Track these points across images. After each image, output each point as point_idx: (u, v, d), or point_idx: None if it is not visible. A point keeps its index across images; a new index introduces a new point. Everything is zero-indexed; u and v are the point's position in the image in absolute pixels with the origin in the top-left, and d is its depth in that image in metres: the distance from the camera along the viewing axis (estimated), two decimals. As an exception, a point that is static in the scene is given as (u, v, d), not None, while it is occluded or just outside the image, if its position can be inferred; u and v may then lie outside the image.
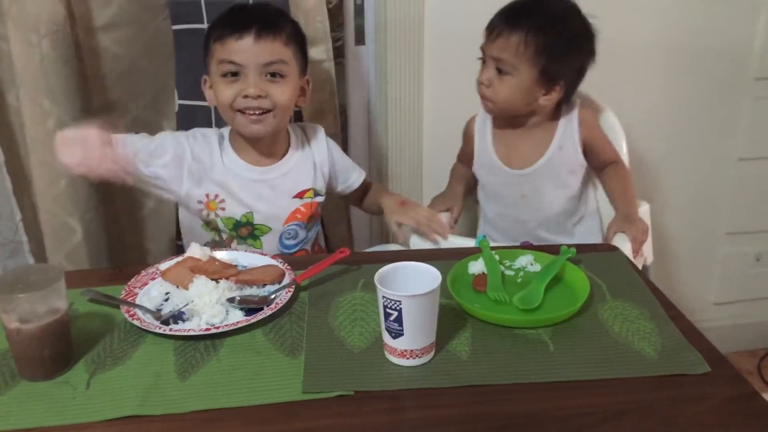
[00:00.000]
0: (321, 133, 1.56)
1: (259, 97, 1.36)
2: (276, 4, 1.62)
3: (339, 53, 2.03)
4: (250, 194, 1.45)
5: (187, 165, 1.41)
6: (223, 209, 1.44)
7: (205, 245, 1.44)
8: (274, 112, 1.38)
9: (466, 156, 1.71)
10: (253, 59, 1.35)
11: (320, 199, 1.52)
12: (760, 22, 2.03)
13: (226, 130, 1.49)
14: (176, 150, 1.41)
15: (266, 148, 1.46)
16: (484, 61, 1.54)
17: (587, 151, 1.60)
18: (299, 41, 1.43)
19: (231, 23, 1.36)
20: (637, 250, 1.46)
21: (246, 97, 1.36)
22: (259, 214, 1.45)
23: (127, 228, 1.82)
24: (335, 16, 1.99)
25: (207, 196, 1.43)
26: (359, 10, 1.94)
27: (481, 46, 1.54)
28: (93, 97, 1.67)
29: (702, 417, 0.88)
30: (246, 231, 1.46)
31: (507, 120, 1.60)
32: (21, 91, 1.57)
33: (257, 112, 1.37)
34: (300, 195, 1.49)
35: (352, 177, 1.62)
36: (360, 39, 1.97)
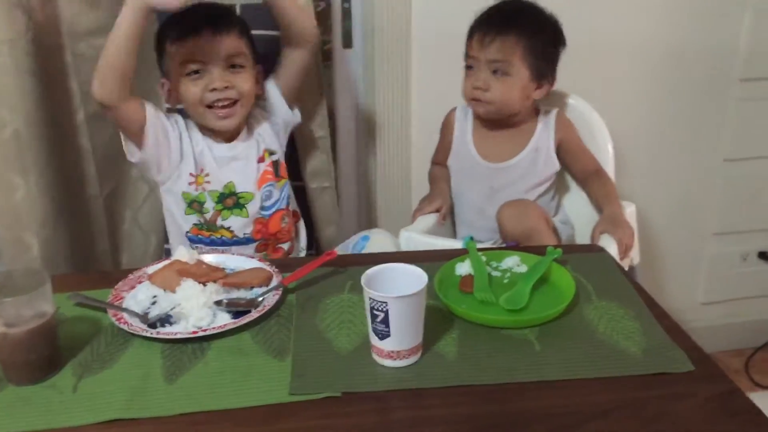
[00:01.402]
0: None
1: (226, 88, 1.44)
2: (261, 9, 1.64)
3: (327, 57, 2.04)
4: (225, 167, 1.53)
5: (183, 135, 1.51)
6: (209, 182, 1.52)
7: (188, 232, 1.54)
8: (241, 101, 1.48)
9: (443, 150, 1.75)
10: (215, 54, 1.44)
11: (275, 157, 1.58)
12: (744, 24, 2.04)
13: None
14: (178, 124, 1.52)
15: (234, 131, 1.55)
16: (470, 67, 1.59)
17: (565, 157, 1.66)
18: (249, 34, 1.53)
19: (185, 24, 1.44)
20: (624, 253, 1.47)
21: (213, 90, 1.44)
22: (239, 183, 1.53)
23: (92, 242, 1.77)
24: (323, 19, 2.00)
25: (191, 173, 1.52)
26: (347, 14, 1.95)
27: (468, 53, 1.59)
28: (79, 107, 1.65)
29: (686, 414, 0.89)
30: (231, 201, 1.54)
31: (491, 119, 1.64)
32: None
33: (226, 104, 1.46)
34: (261, 159, 1.56)
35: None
36: (348, 43, 1.98)
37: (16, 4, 1.48)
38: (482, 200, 1.66)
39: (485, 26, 1.56)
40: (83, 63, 1.60)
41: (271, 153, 1.58)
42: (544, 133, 1.64)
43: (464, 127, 1.70)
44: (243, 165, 1.54)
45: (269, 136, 1.59)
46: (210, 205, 1.52)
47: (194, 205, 1.53)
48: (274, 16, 1.50)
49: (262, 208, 1.55)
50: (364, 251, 1.53)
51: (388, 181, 2.03)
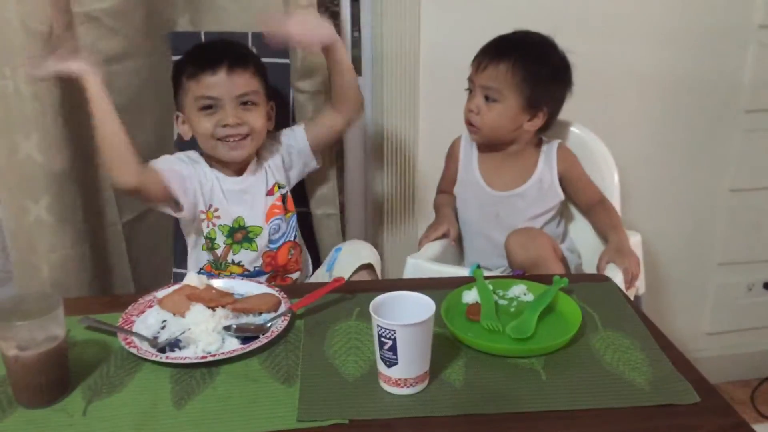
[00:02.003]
0: (271, 137, 1.62)
1: (237, 125, 1.47)
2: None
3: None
4: (234, 202, 1.55)
5: (188, 180, 1.52)
6: (218, 217, 1.53)
7: (202, 269, 1.55)
8: (252, 136, 1.50)
9: (448, 179, 1.77)
10: (228, 92, 1.47)
11: (283, 191, 1.60)
12: (749, 56, 2.06)
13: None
14: (185, 165, 1.53)
15: (239, 164, 1.56)
16: (471, 91, 1.63)
17: (568, 189, 1.68)
18: (263, 72, 1.56)
19: (203, 61, 1.48)
20: (630, 282, 1.48)
21: (225, 126, 1.47)
22: (248, 217, 1.55)
23: (110, 270, 1.79)
24: (332, 47, 2.02)
25: (204, 208, 1.54)
26: (356, 43, 1.97)
27: (469, 77, 1.63)
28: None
29: (692, 447, 0.89)
30: (240, 235, 1.55)
31: (490, 146, 1.67)
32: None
33: (236, 138, 1.48)
34: (270, 192, 1.58)
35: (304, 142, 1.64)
36: (357, 70, 2.00)
37: (34, 34, 1.50)
38: (489, 227, 1.67)
39: (484, 52, 1.60)
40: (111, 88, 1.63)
41: (280, 186, 1.60)
42: (546, 165, 1.66)
43: (469, 155, 1.72)
44: (252, 198, 1.56)
45: (279, 169, 1.61)
46: (221, 240, 1.53)
47: (206, 242, 1.55)
48: (329, 71, 1.55)
49: (270, 241, 1.56)
50: (336, 262, 1.54)
51: (395, 208, 2.05)
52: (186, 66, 1.50)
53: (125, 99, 1.68)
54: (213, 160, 1.55)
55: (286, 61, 1.69)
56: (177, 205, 1.51)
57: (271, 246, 1.57)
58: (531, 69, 1.55)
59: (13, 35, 1.45)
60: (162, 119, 1.74)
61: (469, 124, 1.63)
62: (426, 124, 1.98)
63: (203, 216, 1.53)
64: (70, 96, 1.52)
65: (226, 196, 1.54)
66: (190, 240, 1.60)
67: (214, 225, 1.53)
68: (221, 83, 1.46)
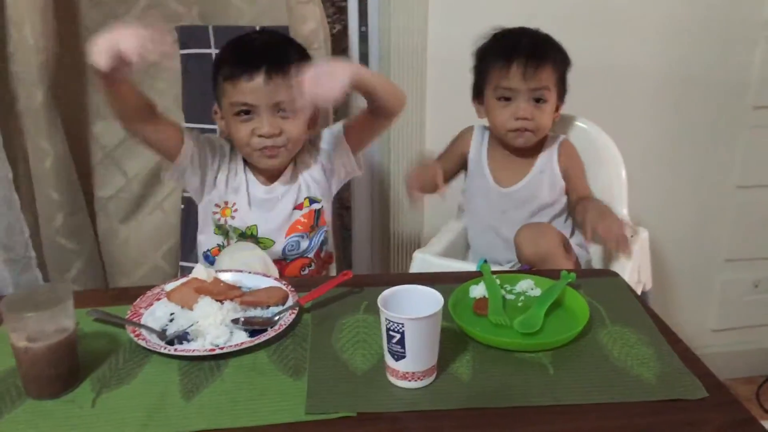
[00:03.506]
0: (307, 145, 1.55)
1: (273, 135, 1.41)
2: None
3: (343, 79, 2.06)
4: (256, 210, 1.50)
5: (221, 166, 1.49)
6: (233, 218, 1.50)
7: (209, 250, 1.54)
8: (287, 146, 1.44)
9: (448, 157, 1.74)
10: (265, 99, 1.40)
11: (317, 205, 1.54)
12: (757, 52, 2.06)
13: None
14: (220, 150, 1.50)
15: (276, 170, 1.51)
16: (507, 98, 1.59)
17: (565, 182, 1.67)
18: None
19: (241, 63, 1.40)
20: (619, 245, 1.43)
21: (261, 136, 1.41)
22: (263, 228, 1.50)
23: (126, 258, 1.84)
24: (339, 41, 2.03)
25: (226, 202, 1.50)
26: (363, 37, 1.97)
27: (502, 85, 1.58)
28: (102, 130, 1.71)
29: (700, 442, 0.89)
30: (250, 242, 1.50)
31: (503, 142, 1.67)
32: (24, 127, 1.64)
33: (272, 148, 1.42)
34: (299, 207, 1.52)
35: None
36: (364, 65, 2.00)
37: (42, 50, 1.53)
38: (496, 221, 1.67)
39: (521, 59, 1.56)
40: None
41: (313, 201, 1.54)
42: (549, 159, 1.66)
43: (480, 150, 1.71)
44: (275, 211, 1.51)
45: (317, 182, 1.54)
46: (233, 235, 1.51)
47: (221, 228, 1.52)
48: (363, 96, 1.42)
49: (284, 256, 1.52)
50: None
51: (402, 204, 2.05)
52: (223, 64, 1.43)
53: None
54: (248, 164, 1.51)
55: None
56: (172, 160, 1.44)
57: (283, 258, 1.52)
58: (562, 65, 1.61)
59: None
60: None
61: (520, 130, 1.60)
62: (433, 119, 1.98)
63: (217, 209, 1.51)
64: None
65: (251, 201, 1.50)
66: (203, 214, 1.56)
67: (226, 222, 1.50)
68: (257, 90, 1.39)
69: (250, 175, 1.51)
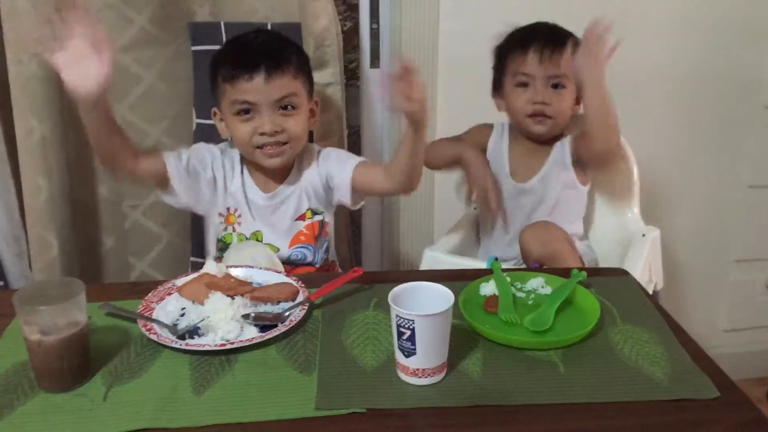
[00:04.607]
0: (311, 153, 1.54)
1: (275, 132, 1.40)
2: (288, 28, 1.66)
3: (353, 75, 2.07)
4: (258, 217, 1.50)
5: (216, 174, 1.48)
6: (239, 224, 1.49)
7: (215, 257, 1.51)
8: (290, 143, 1.43)
9: (466, 138, 1.72)
10: (266, 97, 1.40)
11: (319, 217, 1.53)
12: (770, 51, 2.05)
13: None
14: (211, 159, 1.48)
15: (278, 171, 1.50)
16: (524, 84, 1.59)
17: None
18: (305, 69, 1.48)
19: (239, 63, 1.40)
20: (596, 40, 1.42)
21: (263, 134, 1.40)
22: (266, 237, 1.49)
23: (105, 244, 1.82)
24: (350, 38, 2.03)
25: (228, 209, 1.49)
26: (375, 34, 1.97)
27: (520, 70, 1.58)
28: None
29: (711, 441, 0.89)
30: None
31: (523, 138, 1.65)
32: (14, 107, 1.60)
33: (275, 146, 1.42)
34: (302, 217, 1.51)
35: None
36: (375, 62, 2.00)
37: (46, 20, 1.53)
38: (510, 217, 1.67)
39: (538, 44, 1.56)
40: (115, 73, 1.66)
41: (315, 213, 1.52)
42: (562, 147, 1.65)
43: (500, 145, 1.70)
44: (276, 220, 1.50)
45: (318, 195, 1.52)
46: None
47: (219, 244, 1.52)
48: (402, 141, 1.36)
49: (290, 263, 1.50)
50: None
51: (411, 201, 2.05)
52: (222, 65, 1.43)
53: (138, 90, 1.69)
54: (250, 165, 1.50)
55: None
56: (169, 193, 1.45)
57: (290, 263, 1.51)
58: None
59: (27, 20, 1.51)
60: (179, 113, 1.74)
61: (539, 115, 1.59)
62: (444, 116, 1.97)
63: (221, 218, 1.50)
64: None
65: (251, 207, 1.50)
66: (207, 227, 1.56)
67: (233, 231, 1.50)
68: (258, 88, 1.39)
69: (249, 181, 1.50)
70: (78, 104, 1.25)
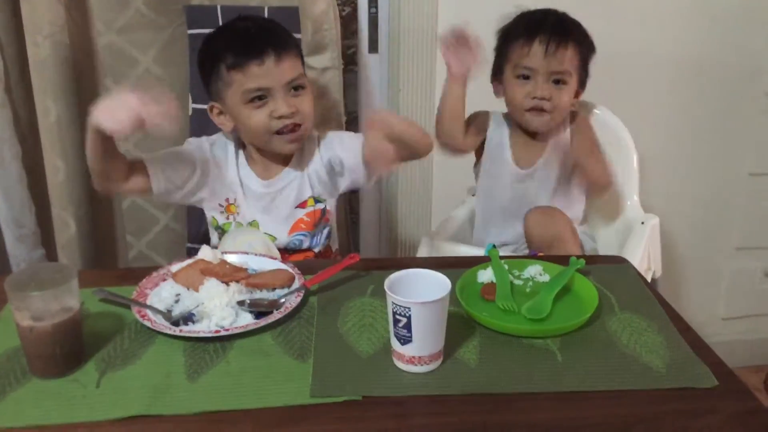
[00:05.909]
0: (312, 139, 1.52)
1: (292, 114, 1.39)
2: (286, 12, 1.65)
3: (352, 61, 2.05)
4: (257, 205, 1.49)
5: (210, 170, 1.46)
6: (238, 213, 1.48)
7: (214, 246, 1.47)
8: (305, 125, 1.43)
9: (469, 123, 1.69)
10: (278, 80, 1.38)
11: (321, 205, 1.51)
12: (772, 38, 2.03)
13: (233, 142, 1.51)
14: (200, 157, 1.46)
15: (280, 157, 1.49)
16: (525, 77, 1.56)
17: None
18: (300, 50, 1.49)
19: (246, 49, 1.37)
20: None
21: (280, 117, 1.39)
22: (264, 225, 1.48)
23: (119, 226, 1.84)
24: (349, 23, 2.01)
25: (227, 200, 1.48)
26: (373, 20, 1.95)
27: (522, 63, 1.55)
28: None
29: (709, 431, 0.88)
30: None
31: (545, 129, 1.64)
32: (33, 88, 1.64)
33: (292, 129, 1.41)
34: (302, 205, 1.50)
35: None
36: (373, 47, 1.98)
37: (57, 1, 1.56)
38: (509, 202, 1.65)
39: (544, 36, 1.53)
40: (112, 56, 1.69)
41: (318, 201, 1.51)
42: (563, 134, 1.63)
43: (501, 132, 1.68)
44: (275, 207, 1.49)
45: (322, 182, 1.50)
46: None
47: (218, 231, 1.51)
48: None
49: (287, 250, 1.49)
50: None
51: (409, 187, 2.04)
52: (224, 54, 1.38)
53: (135, 73, 1.69)
54: (249, 153, 1.48)
55: (297, 36, 1.67)
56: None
57: (288, 250, 1.50)
58: (586, 51, 1.57)
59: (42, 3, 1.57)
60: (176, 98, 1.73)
61: (537, 109, 1.57)
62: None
63: (221, 209, 1.49)
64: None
65: (246, 196, 1.48)
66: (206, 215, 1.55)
67: (234, 220, 1.49)
68: (270, 72, 1.37)
69: (246, 169, 1.48)
70: (92, 132, 1.24)
